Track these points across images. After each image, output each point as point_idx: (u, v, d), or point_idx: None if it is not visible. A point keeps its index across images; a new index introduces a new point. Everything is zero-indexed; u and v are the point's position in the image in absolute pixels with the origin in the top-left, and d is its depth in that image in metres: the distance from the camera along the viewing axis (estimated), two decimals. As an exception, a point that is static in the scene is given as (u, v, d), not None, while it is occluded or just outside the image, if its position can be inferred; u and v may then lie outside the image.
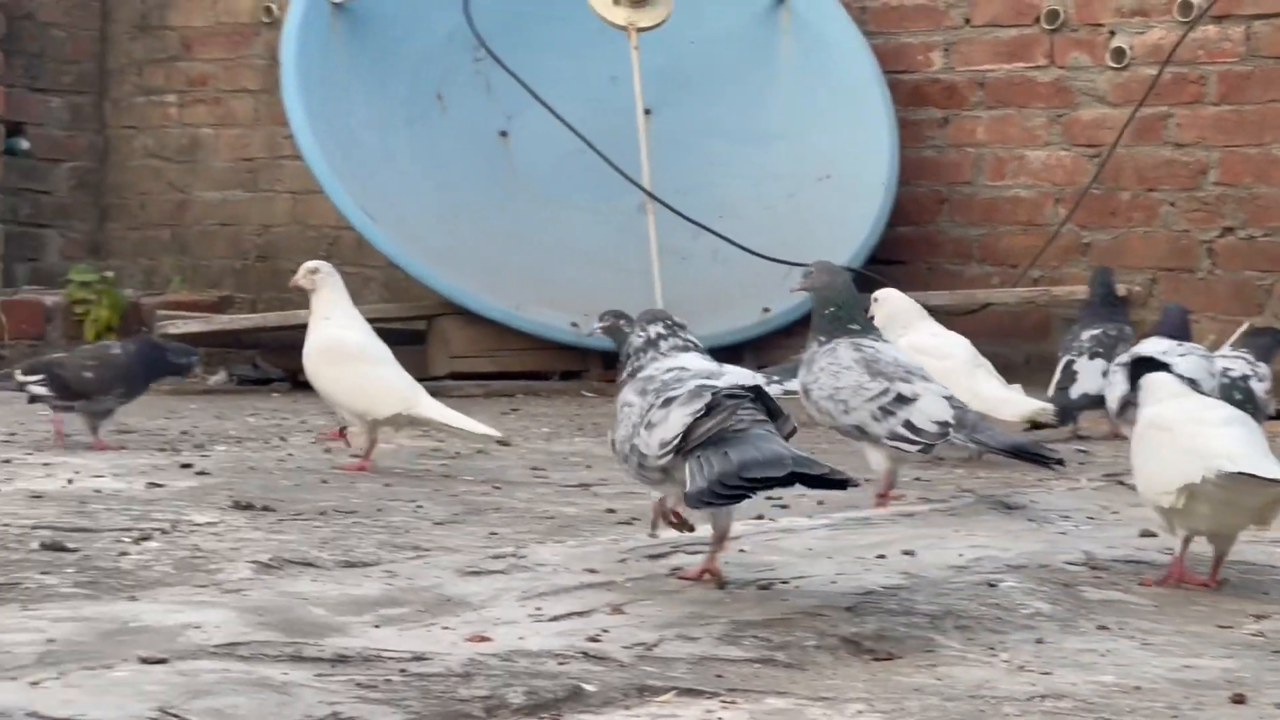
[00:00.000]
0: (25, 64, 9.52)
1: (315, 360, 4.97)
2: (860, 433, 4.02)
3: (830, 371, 4.04)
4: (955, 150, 8.15)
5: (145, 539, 3.59)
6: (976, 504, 4.20)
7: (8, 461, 4.93)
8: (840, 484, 2.93)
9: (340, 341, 4.95)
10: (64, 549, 3.44)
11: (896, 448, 3.97)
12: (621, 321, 5.09)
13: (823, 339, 4.11)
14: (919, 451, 3.96)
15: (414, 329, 8.00)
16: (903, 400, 3.95)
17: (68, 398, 5.25)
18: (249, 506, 4.08)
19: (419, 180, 8.16)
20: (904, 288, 6.44)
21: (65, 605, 2.85)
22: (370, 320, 8.05)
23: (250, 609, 2.82)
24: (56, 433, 5.30)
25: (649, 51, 7.76)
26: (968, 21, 8.10)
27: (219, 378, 8.22)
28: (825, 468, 2.91)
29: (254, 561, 3.35)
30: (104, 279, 8.33)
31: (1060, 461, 4.06)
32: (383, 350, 5.00)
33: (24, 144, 9.54)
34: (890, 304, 5.40)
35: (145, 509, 4.03)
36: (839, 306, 4.13)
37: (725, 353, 7.52)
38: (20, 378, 5.29)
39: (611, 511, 4.11)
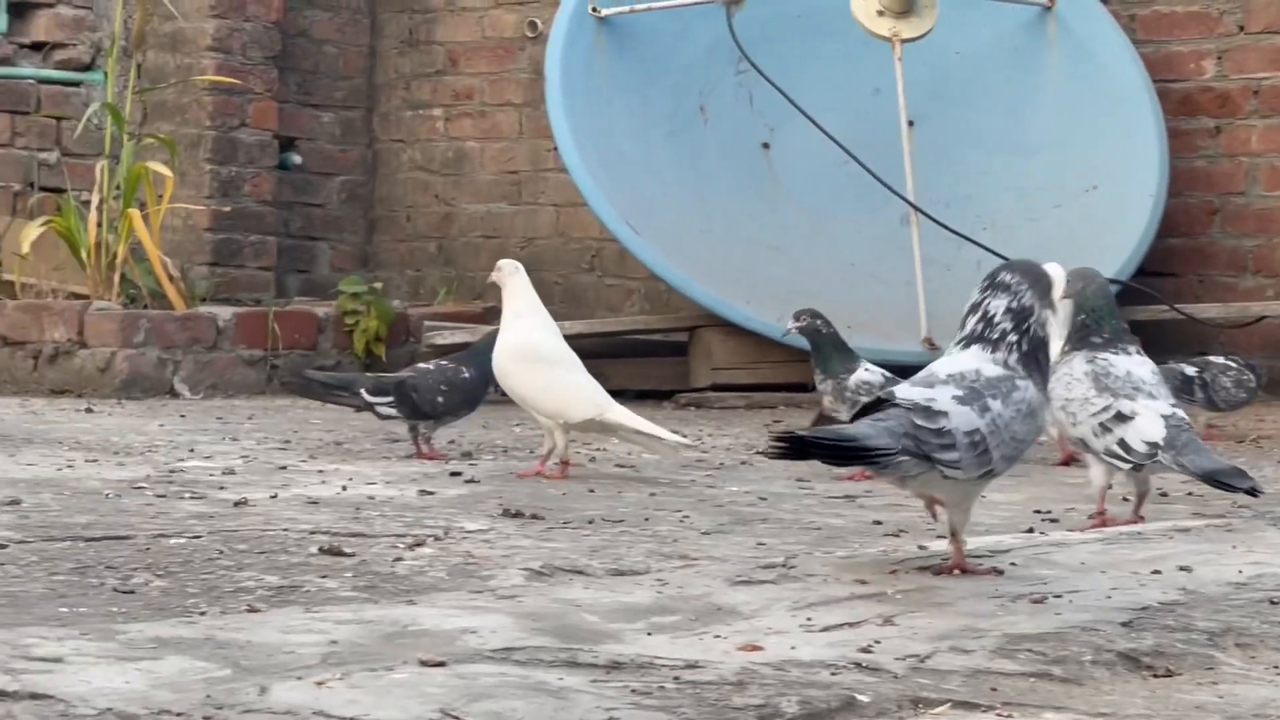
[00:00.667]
0: (298, 80, 9.75)
1: (507, 360, 4.98)
2: (1084, 445, 4.01)
3: (1064, 382, 4.00)
4: (1228, 160, 7.99)
5: (419, 545, 3.65)
6: (1254, 519, 4.11)
7: (284, 468, 5.05)
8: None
9: (534, 343, 4.99)
10: (342, 553, 3.51)
11: (1112, 464, 3.95)
12: (819, 322, 5.08)
13: (1067, 347, 4.08)
14: (1130, 470, 3.93)
15: (675, 340, 8.05)
16: (1121, 418, 3.91)
17: (416, 417, 5.34)
18: (518, 514, 4.13)
19: (681, 192, 8.20)
20: (1175, 300, 6.35)
21: (346, 608, 2.90)
22: (632, 332, 8.20)
23: (525, 615, 2.85)
24: (422, 454, 5.37)
25: (913, 62, 7.72)
26: (1242, 29, 7.94)
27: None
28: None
29: (525, 568, 3.39)
30: (373, 290, 8.49)
31: (1255, 491, 3.92)
32: (574, 357, 5.05)
33: (296, 158, 9.77)
34: None
35: (418, 516, 4.10)
36: (1087, 314, 4.09)
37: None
38: (368, 398, 5.35)
39: (878, 523, 4.09)
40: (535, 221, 9.56)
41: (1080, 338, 4.06)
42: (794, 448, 3.04)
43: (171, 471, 4.92)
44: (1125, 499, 4.23)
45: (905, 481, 3.18)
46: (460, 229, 9.79)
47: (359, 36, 9.98)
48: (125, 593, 3.04)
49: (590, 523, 4.06)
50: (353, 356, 8.30)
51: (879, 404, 3.15)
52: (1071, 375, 4.01)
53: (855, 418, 3.18)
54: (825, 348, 5.05)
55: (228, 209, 9.25)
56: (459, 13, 9.79)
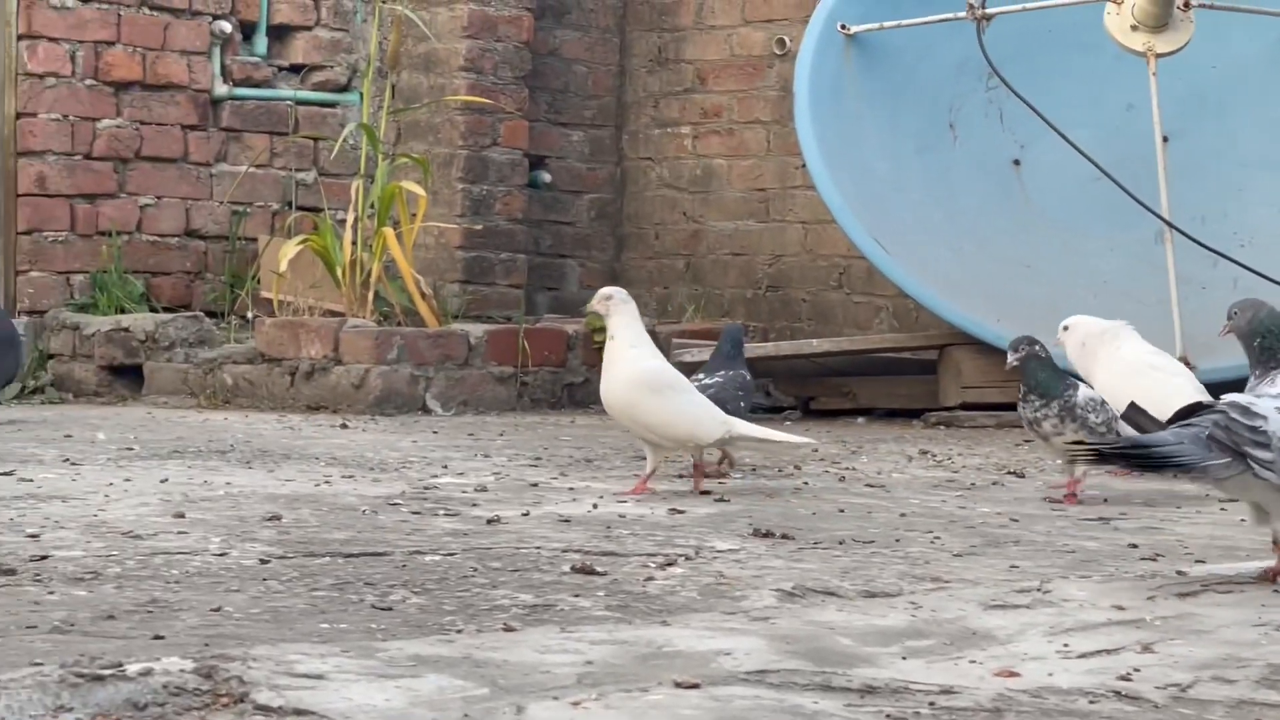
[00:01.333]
0: (549, 100, 9.85)
1: (636, 390, 4.96)
2: None
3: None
4: None
5: (670, 564, 3.66)
6: None
7: (535, 485, 5.10)
8: None
9: (659, 371, 5.01)
10: (594, 572, 3.53)
11: None
12: (1036, 348, 4.98)
13: (1258, 372, 3.98)
14: None
15: (924, 359, 8.00)
16: None
17: None
18: (769, 534, 4.12)
19: (930, 209, 8.15)
20: None
21: (600, 628, 2.92)
22: (880, 350, 8.16)
23: (778, 637, 2.84)
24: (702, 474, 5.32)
25: (1168, 77, 7.59)
26: None
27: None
28: None
29: (777, 589, 3.38)
30: (621, 308, 8.52)
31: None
32: (686, 380, 5.12)
33: (546, 177, 9.88)
34: (1080, 329, 5.35)
35: (668, 535, 4.12)
36: (1263, 336, 4.00)
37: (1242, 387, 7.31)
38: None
39: (1134, 546, 4.02)
40: (783, 239, 9.56)
41: (1265, 359, 3.98)
42: (1099, 456, 3.16)
43: (426, 488, 4.99)
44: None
45: (1221, 484, 3.21)
46: (708, 246, 9.82)
47: (608, 56, 10.06)
48: (384, 609, 3.09)
49: (840, 543, 4.04)
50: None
51: (1194, 410, 3.19)
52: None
53: (1169, 423, 3.24)
54: (1042, 372, 4.96)
55: (479, 227, 9.37)
56: (707, 31, 9.83)
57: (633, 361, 5.00)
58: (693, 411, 4.97)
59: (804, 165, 8.23)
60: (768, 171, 9.63)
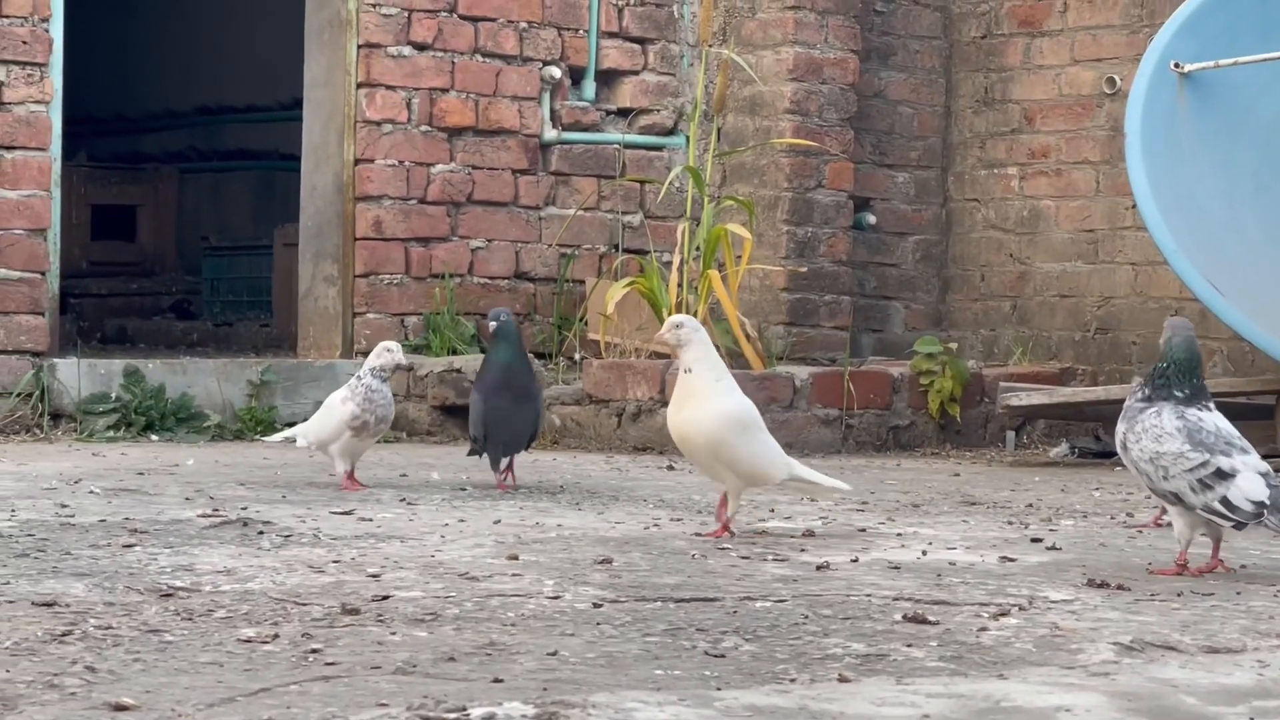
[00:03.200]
0: (874, 141, 9.83)
1: (727, 427, 4.81)
2: (1177, 499, 4.17)
3: (1153, 435, 4.19)
4: None
5: (1003, 614, 3.62)
6: None
7: (863, 530, 5.08)
8: None
9: (749, 408, 4.89)
10: (926, 621, 3.50)
11: (1213, 520, 4.15)
12: None
13: (1143, 394, 4.27)
14: (1233, 528, 4.15)
15: (1261, 404, 7.79)
16: (1221, 475, 4.12)
17: None
18: (1104, 585, 4.05)
19: (1267, 251, 7.94)
20: None
21: (935, 680, 2.89)
22: (1216, 394, 7.93)
23: (1119, 694, 2.79)
24: None
25: None
26: None
27: (1060, 450, 8.22)
28: None
29: (1115, 643, 3.32)
30: (948, 350, 8.47)
31: None
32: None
33: (871, 219, 9.84)
34: None
35: (1000, 583, 4.06)
36: (1170, 364, 4.26)
37: None
38: None
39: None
40: (1112, 280, 9.39)
41: (1162, 389, 4.24)
42: None
43: (754, 533, 5.00)
44: None
45: None
46: (1035, 288, 9.69)
47: (934, 97, 10.00)
48: (716, 656, 3.10)
49: (1178, 595, 3.95)
50: (928, 417, 8.30)
51: None
52: (1162, 429, 4.19)
53: None
54: None
55: (804, 269, 9.38)
56: (1035, 71, 9.72)
57: (721, 396, 4.84)
58: (769, 451, 4.89)
59: (1134, 206, 8.08)
60: (1096, 212, 9.48)
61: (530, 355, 8.37)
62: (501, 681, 2.81)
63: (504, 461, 6.03)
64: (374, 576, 3.93)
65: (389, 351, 6.02)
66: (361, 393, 5.90)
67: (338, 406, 5.92)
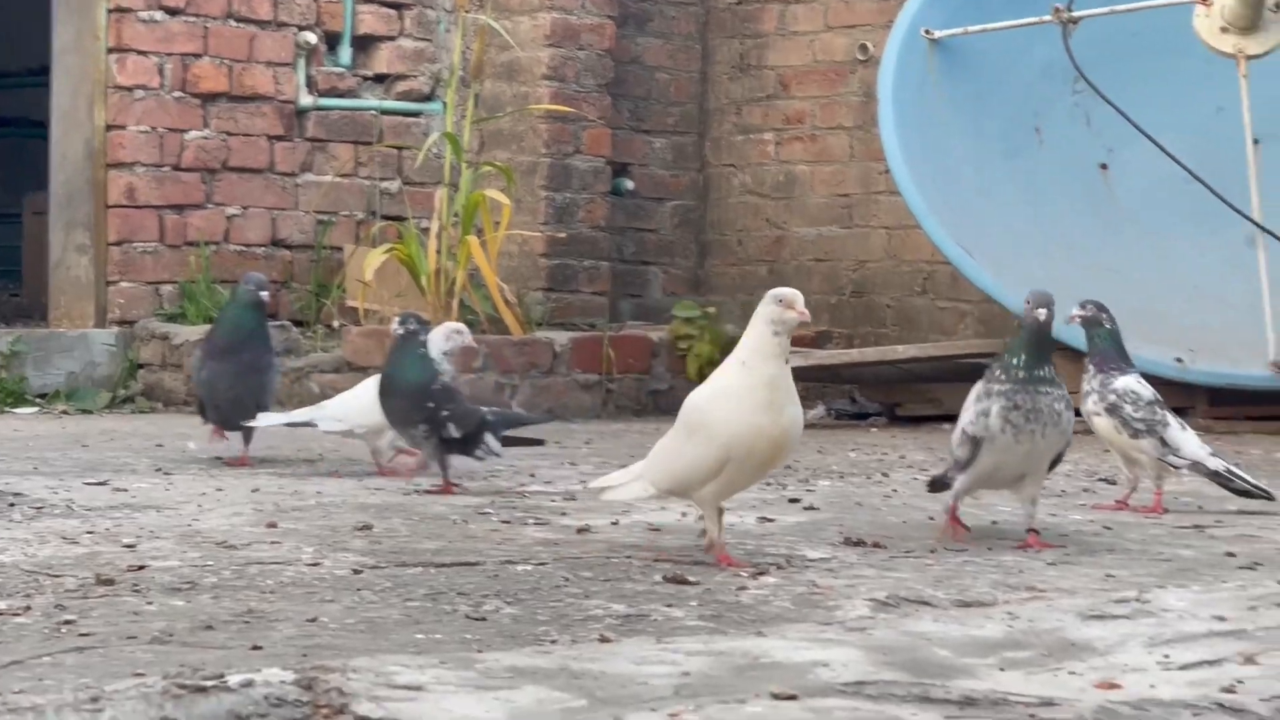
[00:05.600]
0: (631, 107, 9.86)
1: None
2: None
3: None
4: None
5: (762, 574, 3.66)
6: None
7: (624, 493, 5.09)
8: None
9: None
10: (686, 582, 3.53)
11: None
12: (1105, 315, 4.90)
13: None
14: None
15: (1011, 364, 7.94)
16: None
17: None
18: (860, 543, 4.11)
19: (1015, 214, 8.11)
20: None
21: (695, 638, 2.92)
22: (966, 355, 8.12)
23: (874, 647, 2.83)
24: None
25: (1258, 79, 7.53)
26: None
27: (817, 412, 8.33)
28: None
29: (871, 599, 3.37)
30: (706, 314, 8.54)
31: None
32: None
33: (629, 184, 9.88)
34: None
35: (759, 543, 4.11)
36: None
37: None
38: None
39: (1231, 555, 3.99)
40: (867, 244, 9.53)
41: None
42: None
43: (514, 496, 5.00)
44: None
45: None
46: (791, 252, 9.80)
47: (690, 63, 10.06)
48: (478, 620, 3.09)
49: (932, 552, 4.02)
50: (686, 381, 8.36)
51: None
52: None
53: None
54: (1104, 344, 4.88)
55: (563, 235, 9.39)
56: (790, 37, 9.81)
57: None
58: None
59: (887, 170, 8.21)
60: (851, 177, 9.60)
61: (289, 323, 8.29)
62: (260, 649, 2.78)
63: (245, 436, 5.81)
64: (129, 547, 3.87)
65: (459, 334, 5.30)
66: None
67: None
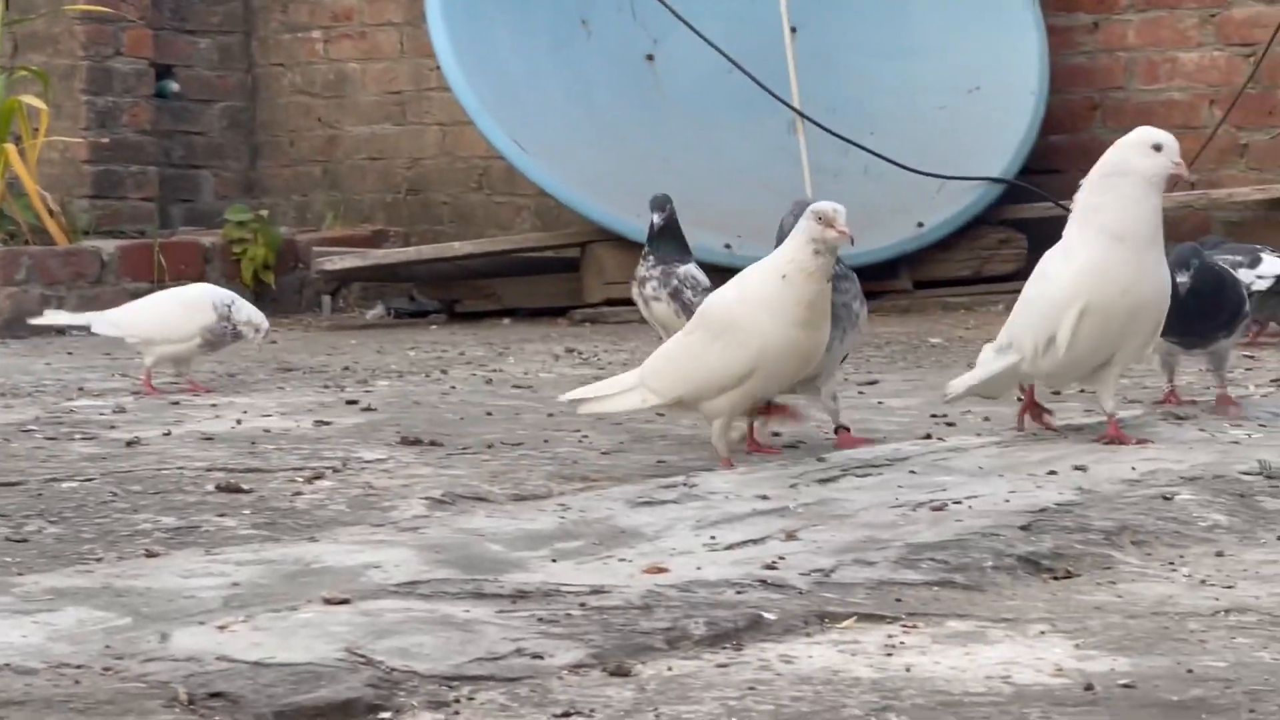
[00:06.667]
0: (174, 6, 9.59)
1: None
2: None
3: None
4: (1106, 55, 8.03)
5: (318, 478, 3.63)
6: (1145, 415, 4.14)
7: (176, 404, 5.00)
8: None
9: None
10: (239, 490, 3.48)
11: None
12: (671, 206, 4.98)
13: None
14: None
15: (567, 257, 8.02)
16: None
17: None
18: (417, 442, 4.10)
19: (567, 107, 8.14)
20: (1062, 197, 6.38)
21: (246, 548, 2.88)
22: (522, 250, 8.17)
23: (428, 546, 2.83)
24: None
25: (793, -32, 7.69)
26: (1115, -78, 7.96)
27: (376, 312, 8.29)
28: None
29: (426, 498, 3.37)
30: (259, 218, 8.41)
31: None
32: None
33: (174, 86, 9.63)
34: None
35: (315, 448, 4.07)
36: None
37: (881, 268, 7.49)
38: None
39: (776, 435, 4.10)
40: (421, 141, 9.48)
41: None
42: None
43: (61, 412, 4.86)
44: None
45: None
46: (345, 152, 9.70)
47: (233, -40, 9.84)
48: (18, 541, 3.01)
49: (490, 447, 4.04)
50: (242, 285, 8.22)
51: None
52: None
53: None
54: (669, 236, 4.97)
55: (106, 140, 9.11)
56: (339, -68, 9.66)
57: None
58: None
59: (439, 67, 8.16)
60: (402, 74, 9.53)
61: None
62: None
63: None
64: None
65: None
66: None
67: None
